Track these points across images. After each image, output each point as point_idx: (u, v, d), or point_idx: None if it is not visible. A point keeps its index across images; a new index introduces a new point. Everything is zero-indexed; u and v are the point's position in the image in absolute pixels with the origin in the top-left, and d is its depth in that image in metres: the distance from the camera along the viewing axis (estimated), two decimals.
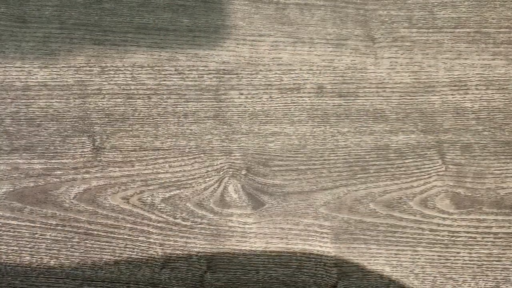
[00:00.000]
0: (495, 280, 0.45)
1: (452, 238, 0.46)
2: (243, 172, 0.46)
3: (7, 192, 0.44)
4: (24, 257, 0.44)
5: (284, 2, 0.48)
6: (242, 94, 0.46)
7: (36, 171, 0.45)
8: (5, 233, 0.44)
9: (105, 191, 0.45)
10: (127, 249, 0.45)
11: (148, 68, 0.46)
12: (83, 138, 0.45)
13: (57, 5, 0.47)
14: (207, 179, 0.46)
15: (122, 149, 0.46)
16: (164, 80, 0.46)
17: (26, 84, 0.45)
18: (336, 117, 0.47)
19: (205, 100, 0.46)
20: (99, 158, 0.45)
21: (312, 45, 0.48)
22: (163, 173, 0.46)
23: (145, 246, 0.45)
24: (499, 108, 0.47)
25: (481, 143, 0.47)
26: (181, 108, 0.46)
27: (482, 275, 0.45)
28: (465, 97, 0.48)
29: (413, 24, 0.49)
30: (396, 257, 0.46)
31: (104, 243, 0.45)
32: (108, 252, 0.45)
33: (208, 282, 0.45)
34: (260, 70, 0.47)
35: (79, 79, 0.46)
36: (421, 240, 0.46)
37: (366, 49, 0.48)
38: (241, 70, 0.47)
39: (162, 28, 0.47)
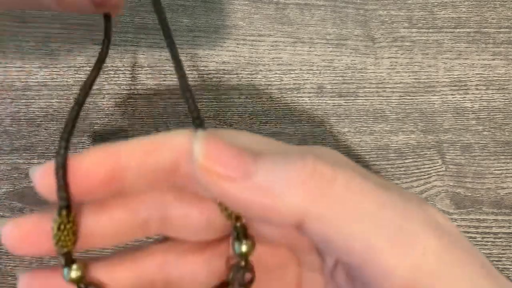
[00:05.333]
0: None
1: None
2: None
3: (7, 192, 0.44)
4: (25, 257, 0.44)
5: (284, 2, 0.48)
6: (242, 94, 0.46)
7: None
8: None
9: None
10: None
11: (148, 68, 0.46)
12: (83, 138, 0.45)
13: None
14: None
15: None
16: (164, 80, 0.46)
17: (26, 84, 0.45)
18: (336, 117, 0.47)
19: (205, 100, 0.46)
20: None
21: (312, 45, 0.48)
22: None
23: None
24: (499, 108, 0.47)
25: (481, 143, 0.47)
26: (181, 108, 0.46)
27: None
28: (465, 97, 0.48)
29: (413, 24, 0.49)
30: None
31: None
32: (108, 252, 0.45)
33: None
34: (260, 70, 0.47)
35: (79, 79, 0.46)
36: None
37: (366, 49, 0.48)
38: (241, 70, 0.47)
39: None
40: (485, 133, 0.47)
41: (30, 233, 0.21)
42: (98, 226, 0.21)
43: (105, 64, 0.46)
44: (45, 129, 0.45)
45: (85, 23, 0.47)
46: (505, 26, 0.49)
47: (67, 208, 0.20)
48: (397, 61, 0.48)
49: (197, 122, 0.21)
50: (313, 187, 0.18)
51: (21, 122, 0.45)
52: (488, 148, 0.47)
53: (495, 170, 0.46)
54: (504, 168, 0.46)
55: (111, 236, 0.22)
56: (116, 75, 0.46)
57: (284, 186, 0.18)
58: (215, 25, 0.47)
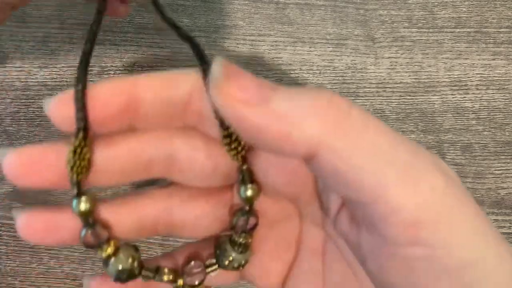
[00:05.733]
0: None
1: None
2: None
3: (7, 192, 0.44)
4: (24, 257, 0.44)
5: (284, 2, 0.48)
6: None
7: None
8: (5, 233, 0.44)
9: (104, 191, 0.45)
10: None
11: (148, 68, 0.46)
12: None
13: (57, 5, 0.47)
14: None
15: None
16: None
17: (26, 84, 0.45)
18: None
19: None
20: None
21: (312, 45, 0.48)
22: None
23: (145, 246, 0.45)
24: (499, 108, 0.47)
25: (481, 143, 0.47)
26: None
27: None
28: (465, 97, 0.48)
29: (413, 24, 0.49)
30: None
31: None
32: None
33: None
34: (260, 70, 0.47)
35: None
36: None
37: (366, 49, 0.48)
38: None
39: (162, 28, 0.47)
40: (485, 133, 0.47)
41: (35, 162, 0.19)
42: (104, 162, 0.21)
43: (105, 64, 0.46)
44: (45, 129, 0.45)
45: (85, 23, 0.47)
46: (505, 26, 0.49)
47: (85, 130, 0.19)
48: (397, 61, 0.48)
49: (204, 60, 0.22)
50: (329, 118, 0.18)
51: (21, 122, 0.45)
52: (488, 148, 0.47)
53: (495, 170, 0.46)
54: (505, 168, 0.46)
55: (115, 173, 0.21)
56: (116, 75, 0.46)
57: (300, 115, 0.18)
58: (215, 25, 0.47)
